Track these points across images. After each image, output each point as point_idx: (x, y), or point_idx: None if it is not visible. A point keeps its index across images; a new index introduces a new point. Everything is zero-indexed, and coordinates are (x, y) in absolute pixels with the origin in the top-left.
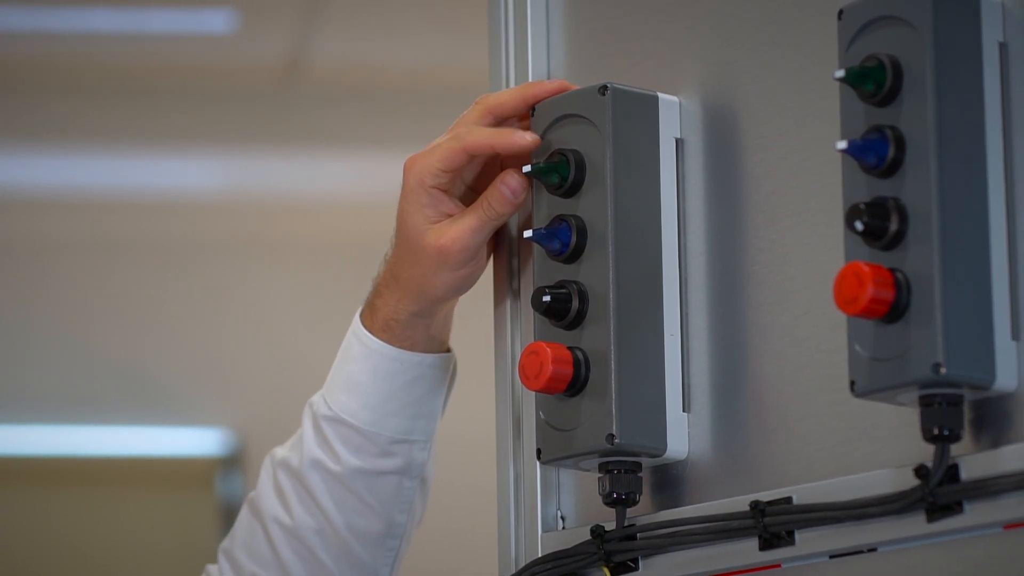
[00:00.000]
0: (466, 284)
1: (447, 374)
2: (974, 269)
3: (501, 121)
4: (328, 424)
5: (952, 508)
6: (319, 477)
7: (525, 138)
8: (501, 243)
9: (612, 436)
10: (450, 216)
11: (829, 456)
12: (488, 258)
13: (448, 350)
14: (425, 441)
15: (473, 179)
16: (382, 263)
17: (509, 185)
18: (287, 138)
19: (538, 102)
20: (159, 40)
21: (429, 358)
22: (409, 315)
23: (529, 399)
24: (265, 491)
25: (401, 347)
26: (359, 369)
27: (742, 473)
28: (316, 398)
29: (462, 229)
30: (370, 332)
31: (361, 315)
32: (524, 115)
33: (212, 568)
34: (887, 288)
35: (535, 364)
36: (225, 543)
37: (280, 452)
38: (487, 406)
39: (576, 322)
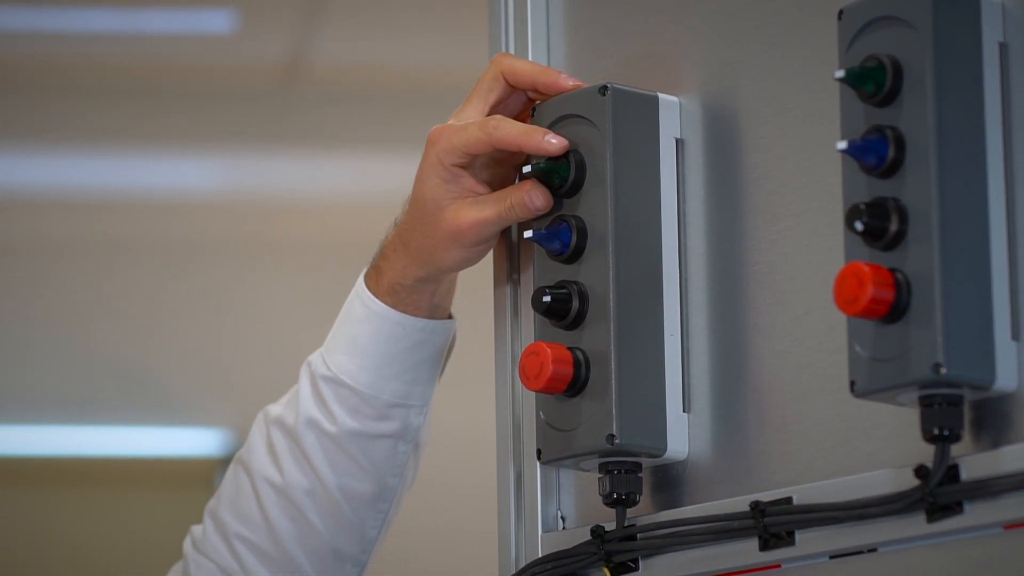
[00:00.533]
0: (475, 260)
1: (448, 340)
2: (974, 269)
3: (511, 90)
4: (326, 384)
5: (952, 508)
6: (314, 437)
7: (552, 143)
8: (501, 243)
9: (612, 436)
10: (471, 191)
11: (829, 456)
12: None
13: (450, 316)
14: (422, 406)
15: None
16: (391, 227)
17: (533, 202)
18: (287, 138)
19: (548, 91)
20: (159, 40)
21: (432, 324)
22: (415, 280)
23: (529, 399)
24: (256, 449)
25: (405, 312)
26: (361, 331)
27: (742, 473)
28: (314, 357)
29: (481, 218)
30: (375, 295)
31: (365, 276)
32: (527, 103)
33: (196, 528)
34: (887, 288)
35: (535, 364)
36: (211, 503)
37: (274, 410)
38: (487, 406)
39: (576, 322)
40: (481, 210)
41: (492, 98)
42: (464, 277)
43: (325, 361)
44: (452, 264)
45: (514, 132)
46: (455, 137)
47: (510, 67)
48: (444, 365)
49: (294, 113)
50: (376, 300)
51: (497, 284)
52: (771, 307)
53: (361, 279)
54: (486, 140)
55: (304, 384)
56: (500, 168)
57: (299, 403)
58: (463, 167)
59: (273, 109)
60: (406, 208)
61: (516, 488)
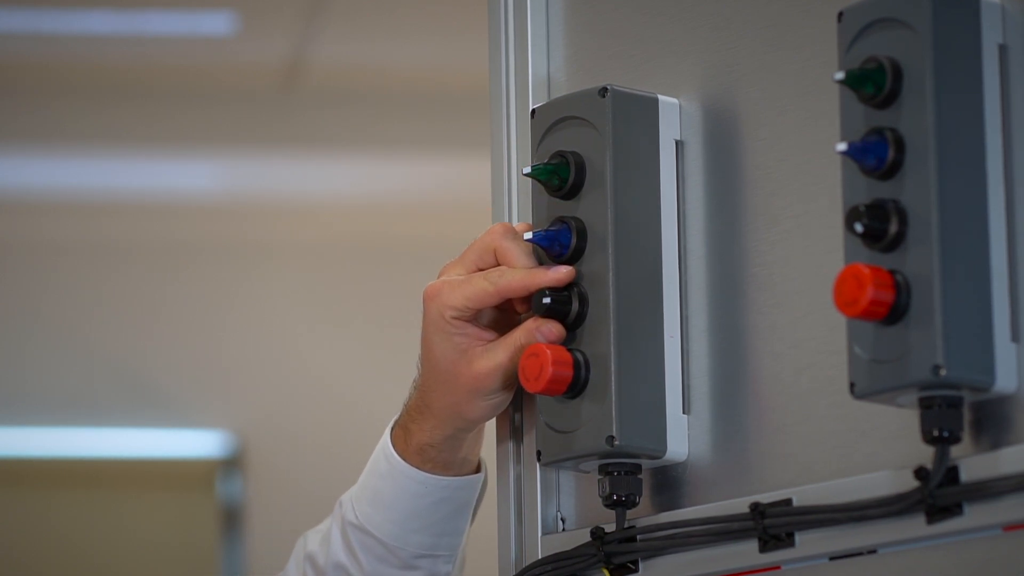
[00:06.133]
0: (502, 406)
1: (475, 493)
2: (974, 271)
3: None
4: (353, 531)
5: (952, 510)
6: None
7: (560, 272)
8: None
9: (612, 438)
10: (479, 339)
11: (829, 458)
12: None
13: (478, 469)
14: (450, 555)
15: None
16: (412, 388)
17: (546, 336)
18: (287, 140)
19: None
20: (159, 42)
21: (456, 481)
22: (444, 439)
23: (529, 401)
24: None
25: (432, 471)
26: (384, 486)
27: (742, 475)
28: (346, 498)
29: (494, 365)
30: (402, 455)
31: (392, 433)
32: None
33: None
34: (887, 290)
35: (535, 366)
36: None
37: (311, 542)
38: None
39: (576, 324)
40: (493, 357)
41: (483, 266)
42: None
43: (354, 508)
44: (479, 417)
45: (519, 277)
46: (457, 291)
47: (503, 251)
48: (476, 511)
49: (294, 115)
50: (399, 459)
51: None
52: (771, 309)
53: (388, 434)
54: (494, 292)
55: (334, 526)
56: (499, 310)
57: (329, 545)
58: (467, 320)
59: (273, 111)
60: (420, 369)
61: (516, 490)
